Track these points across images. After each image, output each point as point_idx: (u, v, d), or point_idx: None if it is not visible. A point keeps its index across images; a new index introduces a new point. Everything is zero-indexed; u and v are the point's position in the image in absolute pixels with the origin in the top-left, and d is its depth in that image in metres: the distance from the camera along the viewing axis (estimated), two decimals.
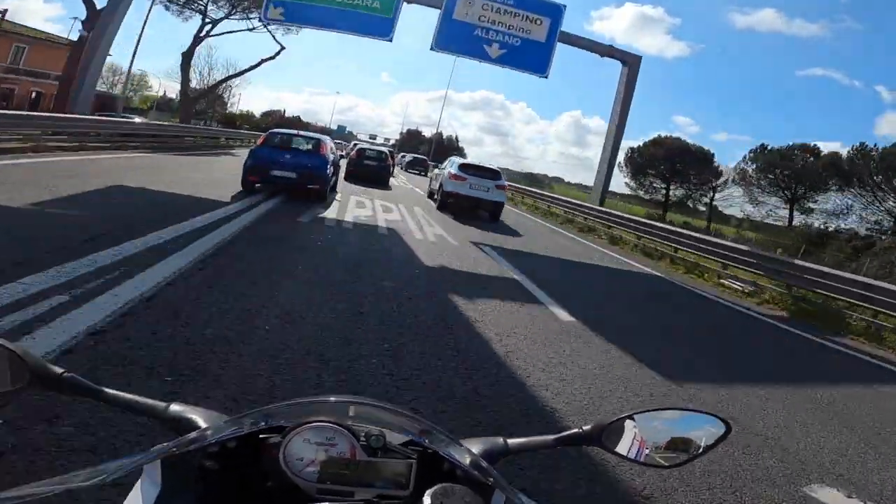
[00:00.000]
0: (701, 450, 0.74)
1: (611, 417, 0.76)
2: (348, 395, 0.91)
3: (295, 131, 11.88)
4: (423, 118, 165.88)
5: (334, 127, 78.93)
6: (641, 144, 47.29)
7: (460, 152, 68.76)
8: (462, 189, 12.60)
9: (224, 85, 42.45)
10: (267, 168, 9.56)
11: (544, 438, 0.78)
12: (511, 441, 0.79)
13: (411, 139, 78.22)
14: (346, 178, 16.45)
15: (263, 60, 32.42)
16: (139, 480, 0.65)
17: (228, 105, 52.01)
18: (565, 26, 18.81)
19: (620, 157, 34.82)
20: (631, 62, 21.33)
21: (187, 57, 31.88)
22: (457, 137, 76.28)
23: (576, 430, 0.77)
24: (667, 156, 44.55)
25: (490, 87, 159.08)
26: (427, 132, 77.17)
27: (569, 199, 21.45)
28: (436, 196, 14.31)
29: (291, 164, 9.69)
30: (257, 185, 9.82)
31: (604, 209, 17.45)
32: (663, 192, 46.22)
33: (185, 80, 32.58)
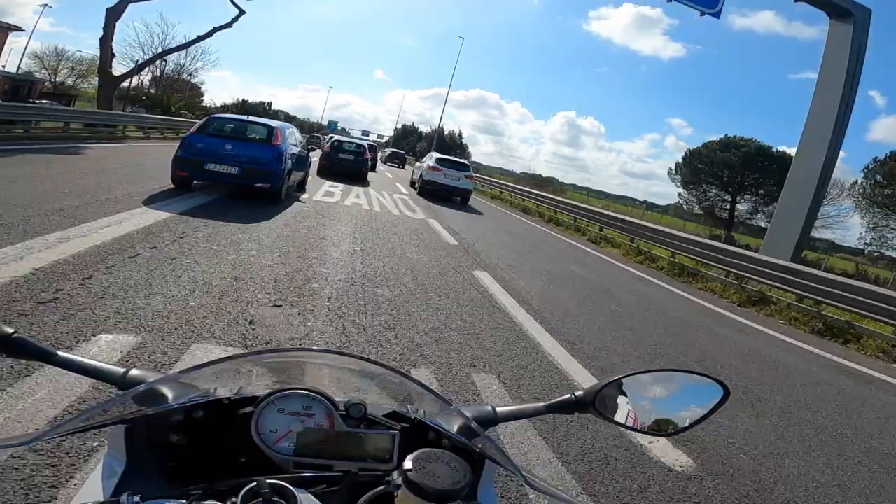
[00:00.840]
0: (699, 415, 0.71)
1: (603, 381, 0.73)
2: (326, 347, 0.82)
3: (243, 116, 9.32)
4: (418, 115, 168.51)
5: (325, 122, 77.46)
6: (702, 147, 39.13)
7: (463, 150, 68.54)
8: (438, 178, 15.70)
9: (187, 69, 37.78)
10: (201, 161, 7.55)
11: (535, 406, 0.75)
12: (501, 409, 0.75)
13: (407, 135, 77.48)
14: (318, 174, 15.39)
15: (216, 29, 24.89)
16: (103, 455, 0.61)
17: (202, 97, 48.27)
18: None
19: (674, 160, 28.56)
20: (860, 17, 13.82)
21: (112, 17, 21.14)
22: (460, 133, 76.04)
23: (568, 397, 0.74)
24: (734, 161, 35.65)
25: (485, 86, 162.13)
26: (424, 129, 77.23)
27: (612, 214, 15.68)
28: (417, 184, 17.22)
29: (233, 157, 7.70)
30: (193, 182, 7.97)
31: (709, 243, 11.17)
32: (723, 204, 37.88)
33: (106, 50, 21.54)
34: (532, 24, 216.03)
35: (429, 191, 15.77)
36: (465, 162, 18.38)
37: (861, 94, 14.52)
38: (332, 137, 21.71)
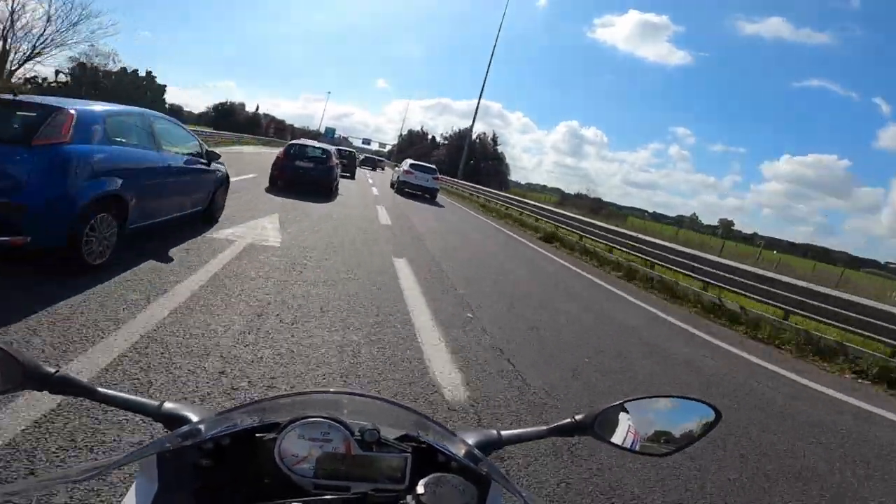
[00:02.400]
0: (692, 437, 0.79)
1: (602, 406, 0.79)
2: (341, 388, 0.79)
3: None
4: (420, 125, 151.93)
5: (322, 130, 71.31)
6: None
7: (500, 160, 64.04)
8: (411, 179, 20.57)
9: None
10: None
11: (538, 429, 0.82)
12: (505, 433, 0.82)
13: (413, 142, 70.09)
14: (269, 186, 11.97)
15: None
16: (136, 478, 0.67)
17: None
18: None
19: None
20: None
21: None
22: (494, 138, 66.89)
23: (569, 420, 0.80)
24: None
25: (487, 96, 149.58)
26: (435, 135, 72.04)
27: None
28: (395, 185, 22.28)
29: None
30: None
31: None
32: None
33: None
34: (535, 33, 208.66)
35: (403, 190, 20.43)
36: (433, 167, 22.88)
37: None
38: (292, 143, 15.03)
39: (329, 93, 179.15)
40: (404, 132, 78.63)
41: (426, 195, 20.87)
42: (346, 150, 23.34)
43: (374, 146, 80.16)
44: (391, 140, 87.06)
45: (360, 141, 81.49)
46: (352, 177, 21.73)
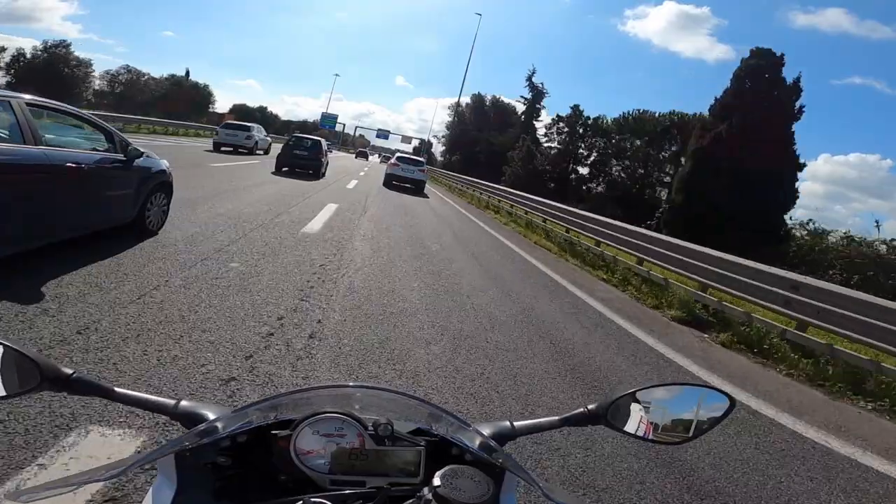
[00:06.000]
0: (706, 424, 0.78)
1: (614, 395, 0.79)
2: (354, 380, 0.86)
3: None
4: (439, 125, 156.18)
5: (339, 128, 68.34)
6: None
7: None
8: (398, 171, 20.53)
9: None
10: None
11: (550, 419, 0.81)
12: (518, 423, 0.82)
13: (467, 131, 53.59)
14: (277, 168, 16.28)
15: None
16: (155, 478, 0.68)
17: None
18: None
19: None
20: None
21: None
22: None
23: (581, 410, 0.80)
24: None
25: (510, 93, 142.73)
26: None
27: None
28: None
29: None
30: None
31: None
32: None
33: None
34: (562, 26, 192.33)
35: (391, 182, 20.26)
36: (421, 159, 24.19)
37: None
38: (293, 135, 20.90)
39: (337, 75, 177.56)
40: (436, 126, 71.14)
41: (411, 186, 20.88)
42: (310, 140, 18.34)
43: (395, 142, 67.07)
44: (420, 131, 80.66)
45: (375, 134, 70.09)
46: (315, 175, 16.83)
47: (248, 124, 23.40)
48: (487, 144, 50.28)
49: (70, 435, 1.94)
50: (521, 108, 50.74)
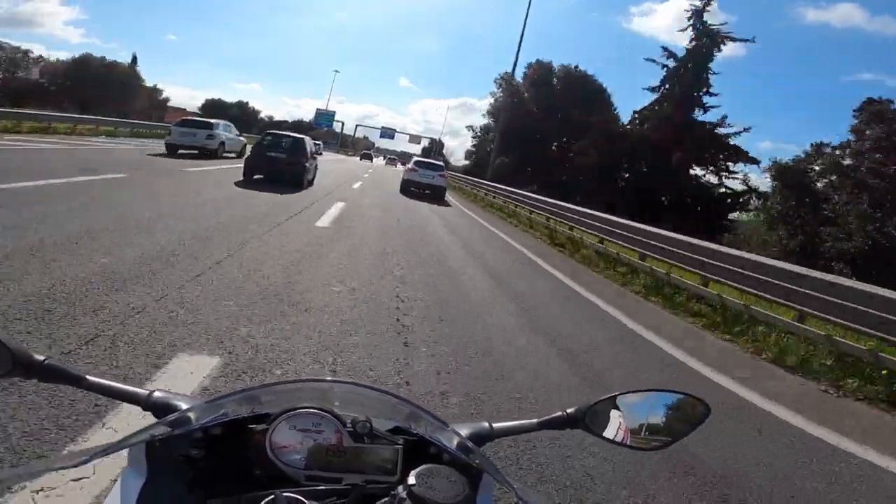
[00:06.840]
0: (684, 431, 0.79)
1: (593, 399, 0.79)
2: (332, 376, 0.84)
3: None
4: (446, 126, 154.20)
5: (337, 129, 65.49)
6: None
7: None
8: (415, 177, 19.33)
9: None
10: None
11: (529, 422, 0.81)
12: (496, 425, 0.81)
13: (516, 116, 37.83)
14: (244, 176, 12.23)
15: None
16: (125, 467, 0.66)
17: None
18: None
19: None
20: None
21: None
22: None
23: (560, 414, 0.80)
24: None
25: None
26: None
27: None
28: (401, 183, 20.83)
29: None
30: None
31: None
32: None
33: None
34: (564, 23, 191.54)
35: (408, 189, 19.07)
36: (440, 163, 22.25)
37: None
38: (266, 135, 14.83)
39: (337, 71, 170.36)
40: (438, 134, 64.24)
41: (429, 192, 19.20)
42: (289, 138, 14.06)
43: (402, 142, 64.21)
44: (424, 132, 73.57)
45: (379, 134, 66.95)
46: (298, 185, 12.96)
47: (211, 120, 18.26)
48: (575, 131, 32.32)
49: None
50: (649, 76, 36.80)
